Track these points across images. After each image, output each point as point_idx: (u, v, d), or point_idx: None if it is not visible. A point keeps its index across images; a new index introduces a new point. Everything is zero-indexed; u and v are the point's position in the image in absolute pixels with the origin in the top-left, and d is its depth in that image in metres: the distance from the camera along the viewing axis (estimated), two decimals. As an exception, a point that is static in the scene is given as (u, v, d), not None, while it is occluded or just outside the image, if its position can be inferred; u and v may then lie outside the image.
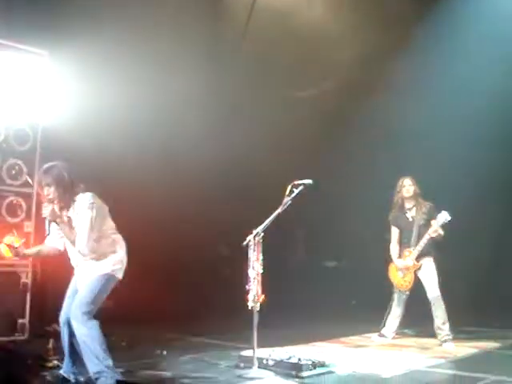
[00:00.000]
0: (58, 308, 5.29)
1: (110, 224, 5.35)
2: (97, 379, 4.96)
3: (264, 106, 9.98)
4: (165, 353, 6.71)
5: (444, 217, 7.39)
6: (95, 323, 5.00)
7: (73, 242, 5.08)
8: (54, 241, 5.39)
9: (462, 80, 9.20)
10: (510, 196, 10.04)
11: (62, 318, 5.21)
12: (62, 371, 5.26)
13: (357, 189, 10.22)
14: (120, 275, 5.28)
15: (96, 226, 5.11)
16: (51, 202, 5.12)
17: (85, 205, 5.12)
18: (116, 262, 5.24)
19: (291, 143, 10.08)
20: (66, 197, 5.16)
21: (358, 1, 9.83)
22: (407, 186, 7.70)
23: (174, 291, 9.18)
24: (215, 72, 9.73)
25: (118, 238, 5.37)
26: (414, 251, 7.55)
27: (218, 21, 9.91)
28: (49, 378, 5.19)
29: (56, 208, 5.13)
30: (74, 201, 5.17)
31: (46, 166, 5.25)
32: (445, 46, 9.45)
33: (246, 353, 6.02)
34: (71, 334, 5.12)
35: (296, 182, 6.04)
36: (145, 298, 8.32)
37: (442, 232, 7.49)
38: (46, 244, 5.43)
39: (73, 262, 5.31)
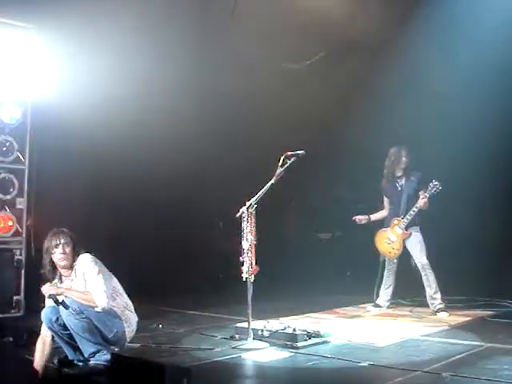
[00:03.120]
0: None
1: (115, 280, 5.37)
2: (92, 357, 5.00)
3: (264, 80, 9.87)
4: (161, 326, 6.74)
5: (434, 186, 7.40)
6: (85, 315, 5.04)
7: (89, 301, 5.05)
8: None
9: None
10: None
11: (45, 318, 5.12)
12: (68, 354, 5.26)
13: (351, 158, 10.20)
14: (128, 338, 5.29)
15: (106, 279, 5.15)
16: (61, 261, 5.15)
17: (88, 261, 5.19)
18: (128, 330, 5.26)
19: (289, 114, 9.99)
20: (72, 257, 5.20)
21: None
22: (404, 157, 7.69)
23: (169, 265, 9.20)
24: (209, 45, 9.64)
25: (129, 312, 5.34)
26: (404, 220, 7.57)
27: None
28: (57, 361, 5.17)
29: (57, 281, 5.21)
30: (75, 262, 5.21)
31: (56, 229, 5.27)
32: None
33: (242, 324, 6.05)
34: (59, 327, 5.10)
35: (289, 153, 6.02)
36: (141, 273, 8.36)
37: (427, 203, 7.51)
38: (45, 342, 5.18)
39: None
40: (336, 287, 9.32)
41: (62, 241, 5.17)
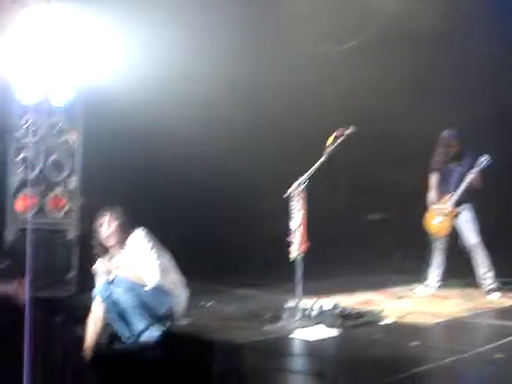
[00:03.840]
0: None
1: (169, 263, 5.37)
2: (142, 333, 5.08)
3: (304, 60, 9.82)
4: (209, 304, 6.81)
5: (484, 161, 7.27)
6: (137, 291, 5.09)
7: (140, 278, 5.09)
8: None
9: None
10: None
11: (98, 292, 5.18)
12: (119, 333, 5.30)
13: (402, 138, 10.10)
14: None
15: (158, 255, 5.17)
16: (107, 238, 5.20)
17: (140, 237, 5.20)
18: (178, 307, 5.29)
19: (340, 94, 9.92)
20: (123, 235, 5.22)
21: None
22: (455, 140, 7.57)
23: (220, 244, 9.25)
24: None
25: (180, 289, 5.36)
26: (453, 197, 7.47)
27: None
28: (108, 338, 5.26)
29: (108, 260, 5.25)
30: (126, 240, 5.24)
31: (103, 209, 5.32)
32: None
33: (291, 303, 6.07)
34: (110, 301, 5.16)
35: (339, 131, 5.99)
36: (190, 251, 8.42)
37: (479, 180, 7.39)
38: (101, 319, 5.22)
39: None
40: (385, 268, 9.26)
41: (108, 220, 5.22)
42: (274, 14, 9.61)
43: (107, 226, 5.20)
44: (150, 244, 5.18)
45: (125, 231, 5.23)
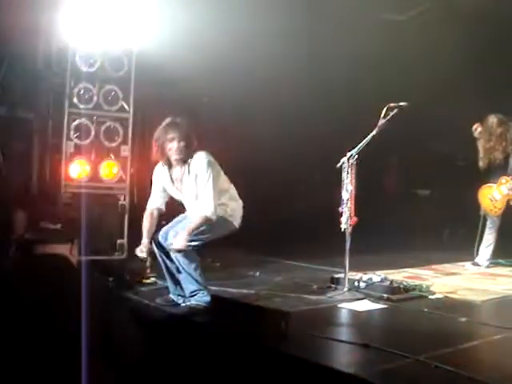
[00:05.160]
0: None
1: (224, 178, 5.45)
2: (192, 296, 5.17)
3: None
4: (258, 274, 6.87)
5: None
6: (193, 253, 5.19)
7: (200, 221, 5.16)
8: (158, 203, 5.49)
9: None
10: None
11: (155, 240, 5.32)
12: (170, 295, 5.41)
13: (452, 115, 9.94)
14: (236, 224, 5.44)
15: (215, 182, 5.22)
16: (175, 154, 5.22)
17: (204, 164, 5.21)
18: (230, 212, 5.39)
19: (391, 67, 9.81)
20: (186, 153, 5.23)
21: None
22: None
23: (268, 215, 9.28)
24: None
25: (233, 191, 5.51)
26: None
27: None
28: (159, 301, 5.36)
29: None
30: (191, 158, 5.26)
31: (170, 120, 5.30)
32: None
33: (339, 275, 6.08)
34: (166, 256, 5.30)
35: (391, 105, 5.92)
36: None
37: None
38: (153, 214, 5.44)
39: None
40: (435, 244, 9.18)
41: (178, 135, 5.18)
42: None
43: (177, 143, 5.17)
44: (209, 172, 5.19)
45: (191, 149, 5.23)
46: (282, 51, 9.04)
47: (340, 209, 5.79)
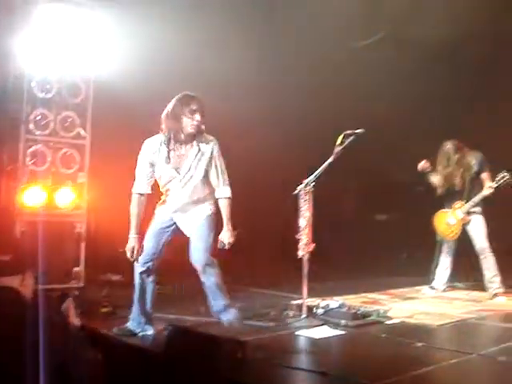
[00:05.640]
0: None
1: None
2: (221, 313, 5.34)
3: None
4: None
5: (503, 178, 7.27)
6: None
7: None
8: (144, 187, 5.30)
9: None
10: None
11: (144, 267, 5.20)
12: (128, 324, 5.32)
13: (409, 140, 10.11)
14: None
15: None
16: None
17: (218, 147, 5.27)
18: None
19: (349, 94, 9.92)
20: (202, 129, 5.20)
21: None
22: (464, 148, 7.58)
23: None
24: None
25: None
26: (466, 205, 7.47)
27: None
28: (115, 331, 5.28)
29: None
30: (201, 136, 5.22)
31: (188, 93, 5.21)
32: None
33: (296, 302, 6.08)
34: (149, 281, 5.23)
35: (348, 132, 5.98)
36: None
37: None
38: (141, 200, 5.28)
39: (174, 206, 5.32)
40: (392, 269, 9.26)
41: (200, 107, 5.11)
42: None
43: (200, 115, 5.09)
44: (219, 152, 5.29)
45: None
46: (237, 78, 9.05)
47: (297, 236, 5.81)
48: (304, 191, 5.80)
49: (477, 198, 7.42)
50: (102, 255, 7.60)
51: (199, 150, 5.17)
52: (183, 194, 5.25)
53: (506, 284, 7.42)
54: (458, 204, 7.58)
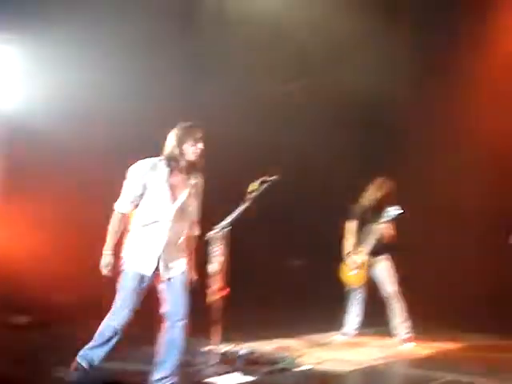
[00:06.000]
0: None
1: None
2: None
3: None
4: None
5: (392, 212, 7.46)
6: None
7: None
8: (129, 207, 4.81)
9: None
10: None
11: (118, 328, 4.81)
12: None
13: (321, 186, 10.33)
14: None
15: None
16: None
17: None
18: None
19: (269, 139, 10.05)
20: (202, 161, 4.93)
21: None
22: (387, 190, 7.74)
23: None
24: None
25: None
26: (366, 248, 7.61)
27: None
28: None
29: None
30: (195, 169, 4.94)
31: (191, 123, 4.93)
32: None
33: (206, 348, 6.01)
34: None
35: (262, 178, 6.02)
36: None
37: (391, 231, 7.58)
38: (121, 220, 4.78)
39: (160, 245, 4.82)
40: (304, 315, 9.28)
41: (203, 137, 4.85)
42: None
43: (203, 144, 4.83)
44: None
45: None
46: (144, 112, 9.04)
47: (208, 281, 5.76)
48: (216, 236, 5.76)
49: (374, 239, 7.55)
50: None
51: (195, 182, 4.92)
52: (173, 230, 4.82)
53: (415, 330, 7.57)
54: (360, 248, 7.71)
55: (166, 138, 4.87)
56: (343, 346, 7.44)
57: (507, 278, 9.50)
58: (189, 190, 4.85)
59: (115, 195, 4.91)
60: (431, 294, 9.29)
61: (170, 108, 8.34)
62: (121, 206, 4.78)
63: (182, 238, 4.89)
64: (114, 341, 4.80)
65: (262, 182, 5.98)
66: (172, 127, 4.93)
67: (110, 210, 4.79)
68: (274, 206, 9.36)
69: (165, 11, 9.05)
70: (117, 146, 8.34)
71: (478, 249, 10.01)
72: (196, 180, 4.93)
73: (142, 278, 4.75)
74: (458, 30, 10.07)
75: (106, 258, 4.75)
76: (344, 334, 7.87)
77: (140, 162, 4.80)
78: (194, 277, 5.02)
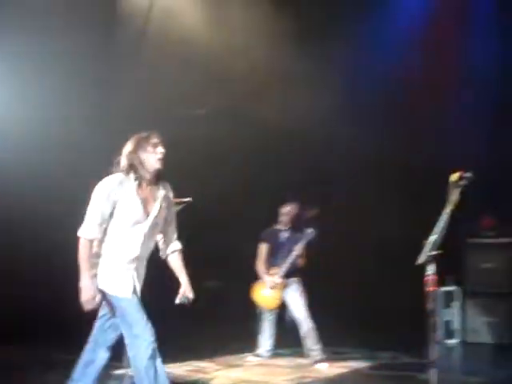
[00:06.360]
0: None
1: None
2: None
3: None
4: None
5: (309, 235, 7.56)
6: None
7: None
8: (99, 231, 4.32)
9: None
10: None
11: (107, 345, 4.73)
12: None
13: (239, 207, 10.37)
14: None
15: None
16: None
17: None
18: None
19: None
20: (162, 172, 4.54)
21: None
22: (293, 210, 7.82)
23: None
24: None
25: None
26: (281, 269, 7.64)
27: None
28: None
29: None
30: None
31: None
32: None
33: (118, 372, 5.86)
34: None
35: (176, 200, 5.95)
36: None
37: (304, 254, 7.68)
38: (91, 246, 4.30)
39: (132, 259, 4.44)
40: (217, 336, 9.22)
41: (160, 140, 4.44)
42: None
43: (163, 149, 4.43)
44: None
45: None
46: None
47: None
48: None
49: (289, 260, 7.59)
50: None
51: (165, 193, 4.54)
52: (144, 246, 4.46)
53: (328, 350, 7.63)
54: (272, 271, 7.74)
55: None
56: (257, 367, 7.41)
57: (417, 297, 9.72)
58: (159, 203, 4.49)
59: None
60: (343, 315, 9.44)
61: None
62: (88, 232, 4.27)
63: (149, 254, 4.57)
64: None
65: (177, 204, 5.93)
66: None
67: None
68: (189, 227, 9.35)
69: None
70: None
71: (390, 271, 10.21)
72: (165, 191, 4.57)
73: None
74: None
75: (89, 290, 4.28)
76: (258, 355, 7.86)
77: (106, 179, 4.35)
78: (190, 295, 4.86)
